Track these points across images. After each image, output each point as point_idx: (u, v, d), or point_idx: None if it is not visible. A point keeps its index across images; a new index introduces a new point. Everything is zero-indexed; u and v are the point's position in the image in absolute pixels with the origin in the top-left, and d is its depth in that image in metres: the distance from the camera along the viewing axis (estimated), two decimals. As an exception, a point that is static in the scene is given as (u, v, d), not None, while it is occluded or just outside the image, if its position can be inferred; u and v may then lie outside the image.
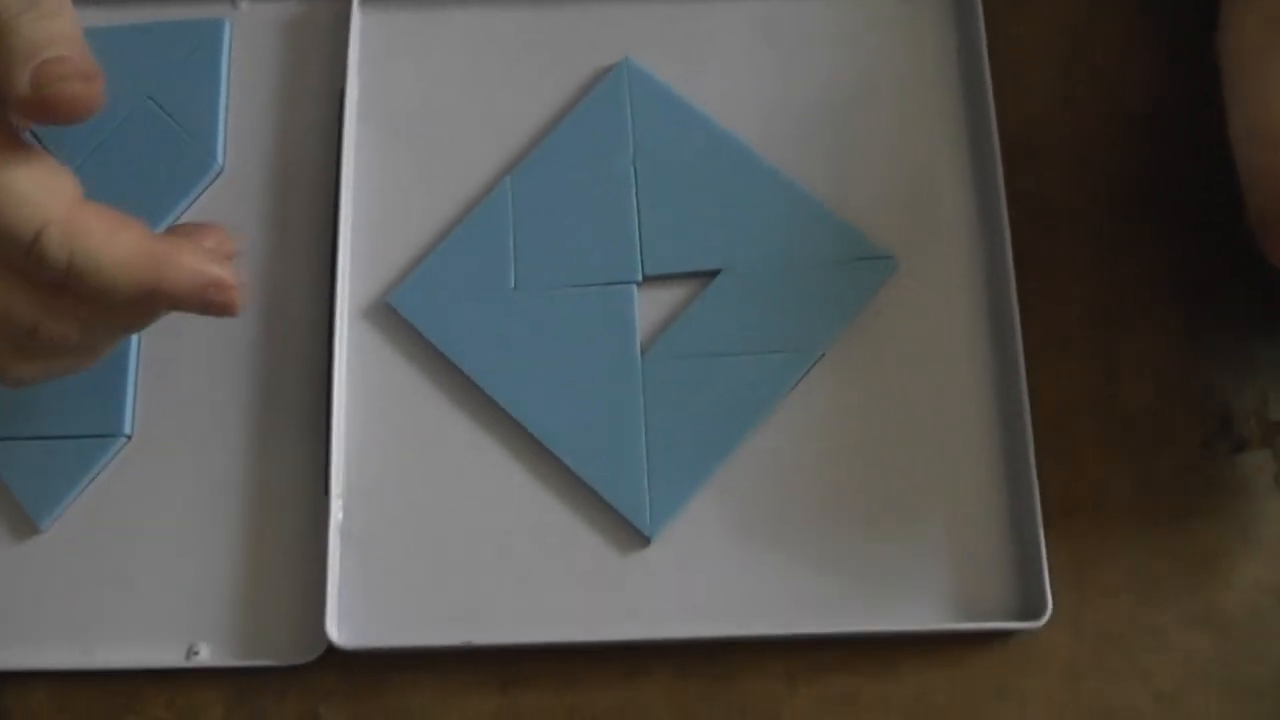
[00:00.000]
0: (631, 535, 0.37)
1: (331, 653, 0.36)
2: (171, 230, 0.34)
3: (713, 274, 0.39)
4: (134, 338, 0.39)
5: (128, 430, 0.38)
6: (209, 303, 0.33)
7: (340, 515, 0.37)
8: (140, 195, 0.39)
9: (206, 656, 0.36)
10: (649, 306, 0.39)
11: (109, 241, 0.31)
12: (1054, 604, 0.36)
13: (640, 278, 0.39)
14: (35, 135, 0.40)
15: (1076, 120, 0.41)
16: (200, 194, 0.40)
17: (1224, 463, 0.39)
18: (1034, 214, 0.40)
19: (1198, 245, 0.40)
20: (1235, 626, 0.37)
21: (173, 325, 0.39)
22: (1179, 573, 0.38)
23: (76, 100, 0.30)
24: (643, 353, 0.38)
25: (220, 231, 0.34)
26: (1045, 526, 0.36)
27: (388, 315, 0.39)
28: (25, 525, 0.37)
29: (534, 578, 0.37)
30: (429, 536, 0.37)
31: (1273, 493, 0.38)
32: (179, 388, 0.39)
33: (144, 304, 0.32)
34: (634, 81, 0.41)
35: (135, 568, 0.37)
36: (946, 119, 0.41)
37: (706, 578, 0.37)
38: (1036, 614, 0.36)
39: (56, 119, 0.30)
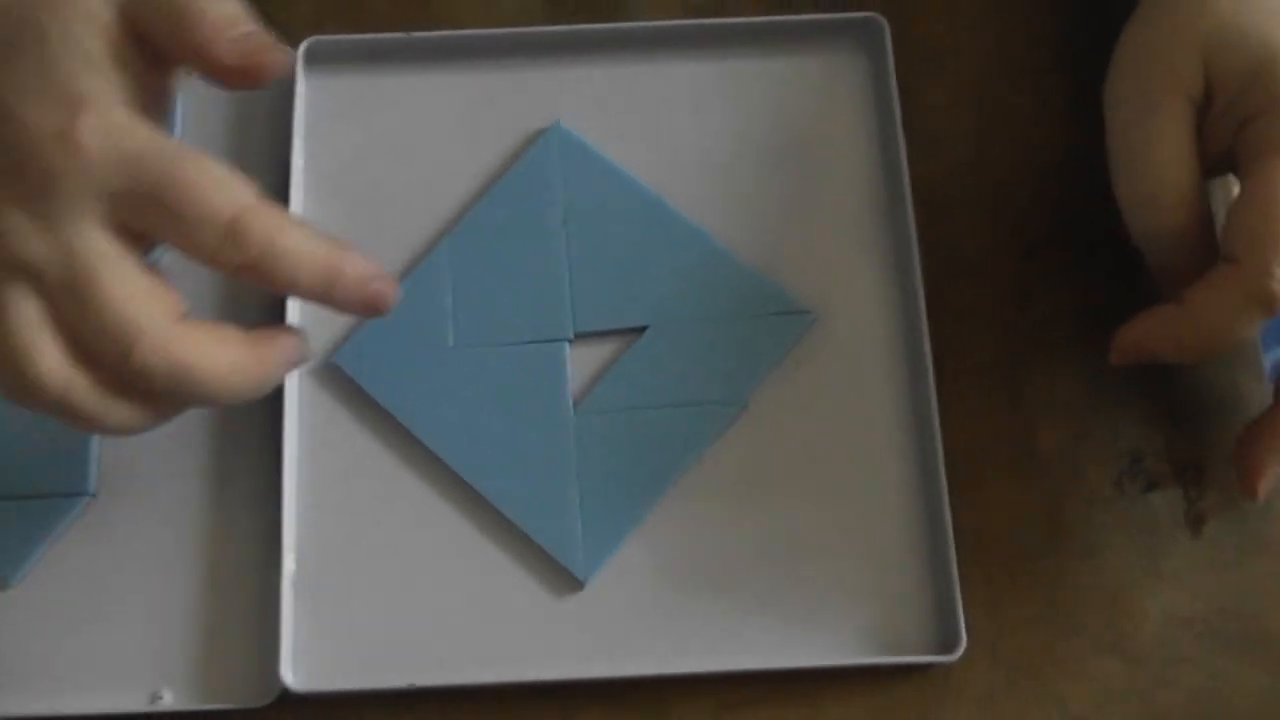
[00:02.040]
0: (566, 579, 0.39)
1: (286, 696, 0.38)
2: None
3: (640, 330, 0.41)
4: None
5: (91, 489, 0.40)
6: (372, 300, 0.35)
7: (293, 567, 0.39)
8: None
9: (169, 702, 0.38)
10: (580, 362, 0.41)
11: (297, 229, 0.33)
12: (970, 636, 0.38)
13: (571, 335, 0.41)
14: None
15: (987, 176, 0.43)
16: (157, 260, 0.42)
17: (1135, 500, 0.40)
18: (947, 267, 0.42)
19: (1106, 290, 0.42)
20: (1147, 655, 0.39)
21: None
22: (1092, 605, 0.39)
23: (278, 66, 0.33)
24: (575, 406, 0.40)
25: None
26: (960, 563, 0.38)
27: (335, 375, 0.41)
28: (-6, 581, 0.39)
29: (475, 622, 0.39)
30: (376, 585, 0.39)
31: (1182, 529, 0.40)
32: (138, 448, 0.40)
33: (319, 300, 0.34)
34: (564, 145, 0.42)
35: (100, 619, 0.39)
36: (863, 178, 0.42)
37: (637, 618, 0.39)
38: (952, 647, 0.38)
39: (252, 85, 0.33)
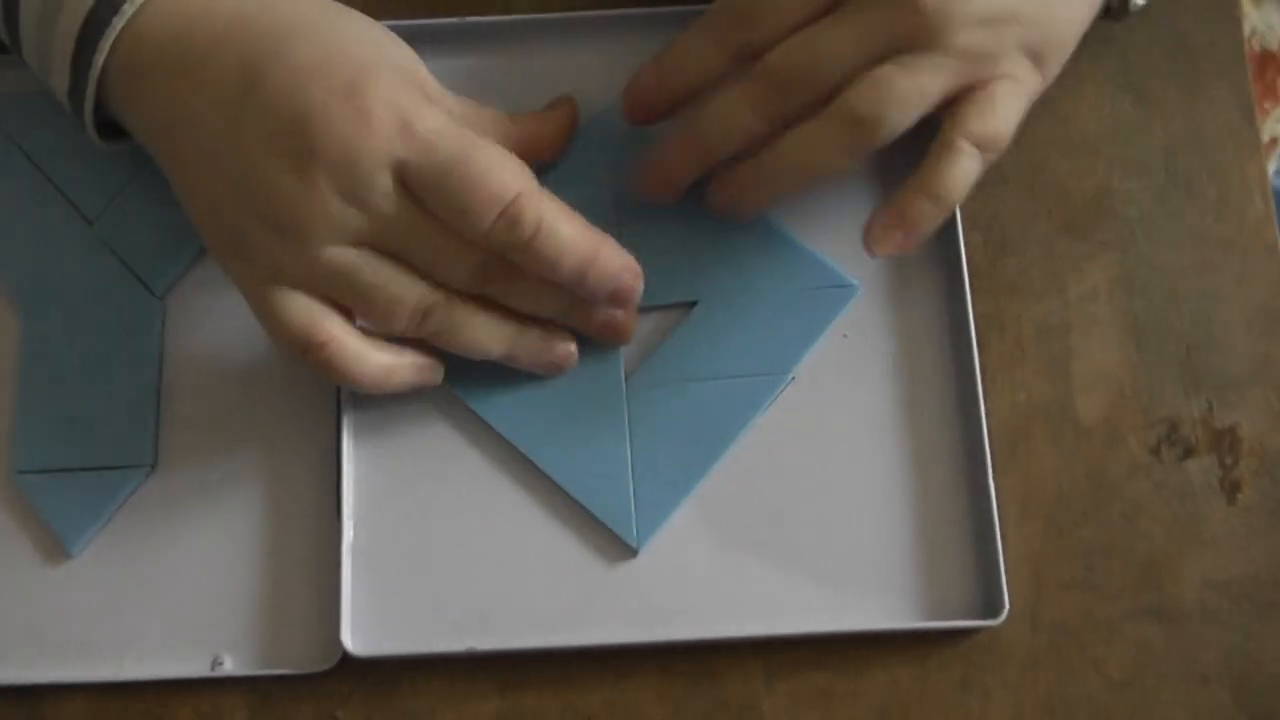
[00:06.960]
0: (619, 547, 0.40)
1: (346, 660, 0.39)
2: None
3: (690, 305, 0.42)
4: (155, 371, 0.42)
5: (152, 461, 0.41)
6: (622, 289, 0.37)
7: (351, 534, 0.40)
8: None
9: (230, 667, 0.39)
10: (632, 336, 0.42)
11: (565, 216, 0.36)
12: (1012, 602, 0.39)
13: (623, 309, 0.42)
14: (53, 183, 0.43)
15: (1027, 152, 0.44)
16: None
17: (1172, 468, 0.41)
18: (989, 239, 0.43)
19: (1143, 262, 0.43)
20: (1184, 619, 0.40)
21: (191, 359, 0.42)
22: (1130, 571, 0.40)
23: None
24: (627, 379, 0.41)
25: None
26: (1003, 530, 0.39)
27: (390, 347, 0.42)
28: (58, 551, 0.40)
29: (530, 588, 0.40)
30: (433, 552, 0.40)
31: (1218, 496, 0.41)
32: (198, 420, 0.41)
33: (575, 283, 0.36)
34: (615, 125, 0.43)
35: (162, 587, 0.40)
36: (906, 152, 0.43)
37: (689, 585, 0.40)
38: (995, 612, 0.39)
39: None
